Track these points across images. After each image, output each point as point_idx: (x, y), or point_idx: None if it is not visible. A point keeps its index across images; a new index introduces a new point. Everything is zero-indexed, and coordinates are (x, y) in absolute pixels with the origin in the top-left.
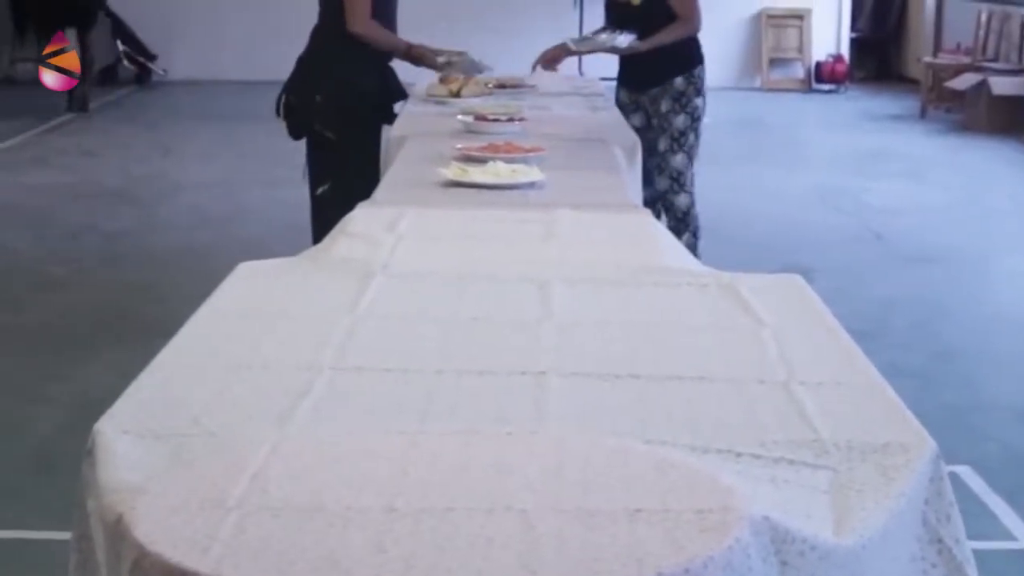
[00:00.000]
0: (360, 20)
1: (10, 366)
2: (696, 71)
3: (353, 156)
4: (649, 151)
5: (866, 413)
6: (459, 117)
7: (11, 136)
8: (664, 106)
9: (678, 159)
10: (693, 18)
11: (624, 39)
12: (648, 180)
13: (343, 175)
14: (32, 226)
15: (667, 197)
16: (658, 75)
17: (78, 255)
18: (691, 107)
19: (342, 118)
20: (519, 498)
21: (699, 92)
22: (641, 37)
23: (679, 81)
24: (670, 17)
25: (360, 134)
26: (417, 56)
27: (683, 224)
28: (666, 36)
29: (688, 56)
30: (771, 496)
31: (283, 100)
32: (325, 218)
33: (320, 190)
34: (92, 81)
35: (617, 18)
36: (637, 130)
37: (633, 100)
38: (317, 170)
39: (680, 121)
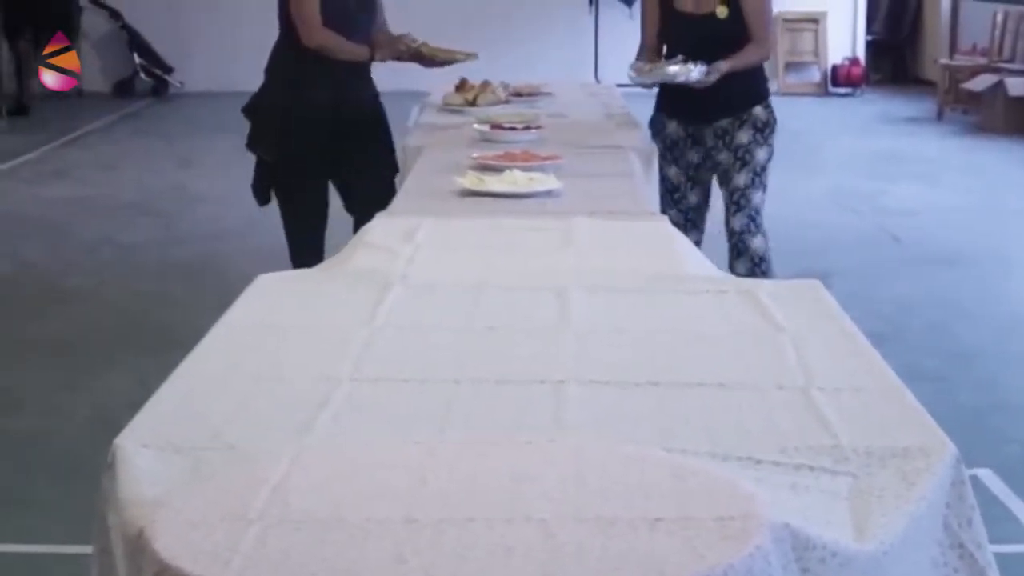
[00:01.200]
0: (312, 32)
1: (30, 378)
2: (770, 99)
3: (288, 180)
4: (703, 190)
5: (885, 418)
6: (475, 126)
7: (30, 150)
8: (744, 137)
9: (758, 196)
10: (768, 40)
11: (697, 73)
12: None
13: (280, 200)
14: (51, 239)
15: (743, 239)
16: (734, 104)
17: (97, 267)
18: (772, 140)
19: (277, 138)
20: (538, 507)
21: (776, 123)
22: (717, 56)
23: (759, 111)
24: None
25: (299, 157)
26: (387, 55)
27: (760, 270)
28: (739, 62)
29: (764, 83)
30: (791, 503)
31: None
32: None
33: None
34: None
35: (692, 34)
36: (693, 166)
37: (690, 134)
38: (259, 187)
39: (762, 155)
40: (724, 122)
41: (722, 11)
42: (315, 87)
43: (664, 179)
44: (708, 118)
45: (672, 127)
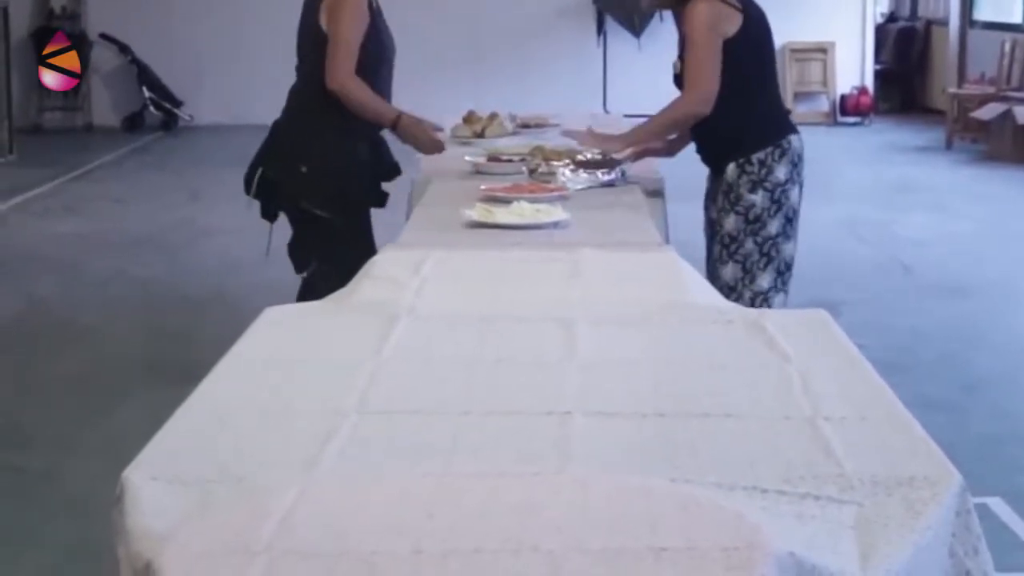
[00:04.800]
0: (341, 75)
1: (43, 415)
2: (758, 155)
3: (346, 235)
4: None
5: (891, 447)
6: (466, 158)
7: (40, 184)
8: (718, 202)
9: (728, 271)
10: (696, 94)
11: (578, 180)
12: None
13: (333, 257)
14: (62, 274)
15: None
16: (710, 160)
17: (108, 302)
18: (743, 206)
19: (333, 193)
20: (545, 539)
21: (758, 184)
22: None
23: (730, 171)
24: (726, 87)
25: (353, 211)
26: (408, 128)
27: None
28: (650, 124)
29: (744, 134)
30: (797, 532)
31: (258, 175)
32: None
33: (307, 273)
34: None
35: (677, 86)
36: (710, 221)
37: (710, 186)
38: (302, 251)
39: (730, 224)
40: (718, 180)
41: (677, 65)
42: (358, 141)
43: None
44: (712, 172)
45: (709, 174)
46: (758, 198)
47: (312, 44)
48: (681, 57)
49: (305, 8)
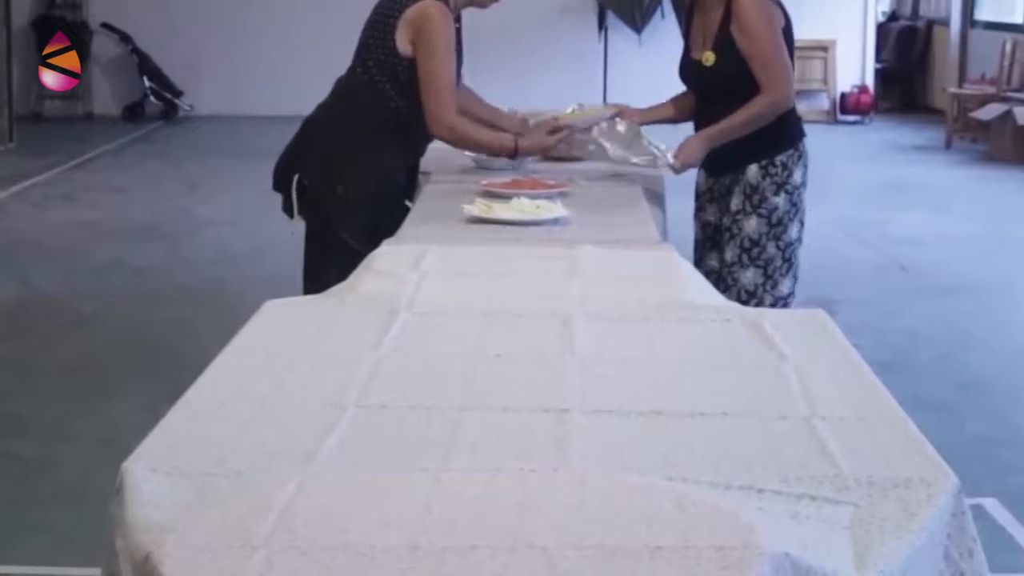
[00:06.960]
0: (447, 119)
1: (39, 402)
2: (781, 157)
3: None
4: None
5: (888, 448)
6: (466, 153)
7: (39, 172)
8: (735, 203)
9: (748, 276)
10: (780, 88)
11: (644, 158)
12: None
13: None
14: (60, 263)
15: None
16: (731, 160)
17: (106, 292)
18: (766, 207)
19: (369, 224)
20: (541, 536)
21: (781, 187)
22: (719, 106)
23: (752, 173)
24: (756, 84)
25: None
26: (530, 150)
27: None
28: (736, 120)
29: (769, 136)
30: (792, 532)
31: (296, 179)
32: None
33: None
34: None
35: (692, 81)
36: (711, 226)
37: (709, 187)
38: (327, 280)
39: (751, 226)
40: (727, 178)
41: (708, 58)
42: (400, 163)
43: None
44: (716, 170)
45: (699, 176)
46: (781, 201)
47: (378, 60)
48: (715, 49)
49: (379, 13)
